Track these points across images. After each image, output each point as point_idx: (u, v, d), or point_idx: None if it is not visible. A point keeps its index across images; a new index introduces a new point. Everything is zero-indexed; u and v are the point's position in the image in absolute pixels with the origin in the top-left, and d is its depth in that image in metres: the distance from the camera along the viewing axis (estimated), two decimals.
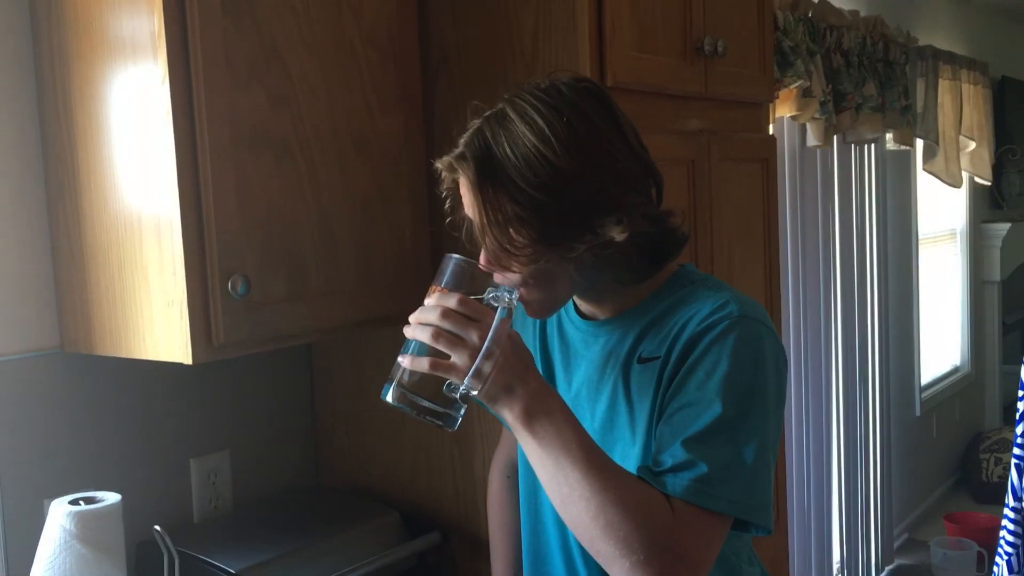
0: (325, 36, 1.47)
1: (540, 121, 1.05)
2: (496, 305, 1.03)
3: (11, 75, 1.47)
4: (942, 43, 4.45)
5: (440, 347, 1.01)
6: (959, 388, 5.07)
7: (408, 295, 1.63)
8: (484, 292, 1.05)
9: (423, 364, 1.01)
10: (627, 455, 1.15)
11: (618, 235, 1.06)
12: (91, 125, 1.41)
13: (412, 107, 1.62)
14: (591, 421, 1.19)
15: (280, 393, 1.88)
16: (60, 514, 1.33)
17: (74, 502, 1.35)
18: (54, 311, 1.51)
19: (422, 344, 1.02)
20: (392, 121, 1.58)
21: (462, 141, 1.10)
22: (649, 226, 1.11)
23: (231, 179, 1.34)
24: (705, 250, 1.85)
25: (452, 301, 1.02)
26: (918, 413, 4.52)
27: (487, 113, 1.10)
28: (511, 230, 1.07)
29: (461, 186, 1.11)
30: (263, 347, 1.43)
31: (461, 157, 1.08)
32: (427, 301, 1.04)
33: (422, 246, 1.63)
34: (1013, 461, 3.39)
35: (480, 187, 1.07)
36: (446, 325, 1.00)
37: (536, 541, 1.32)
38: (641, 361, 1.15)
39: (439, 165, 1.12)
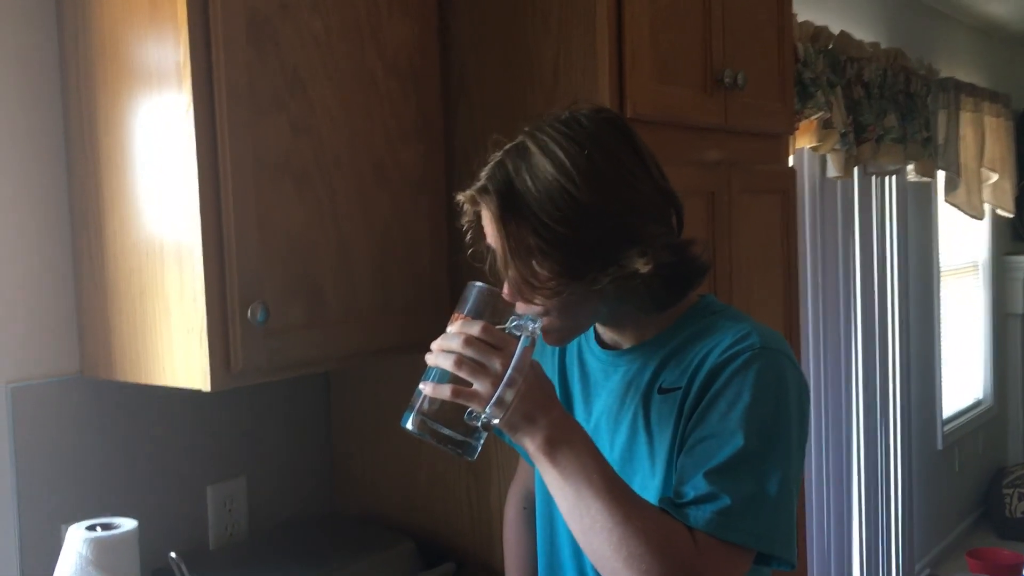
0: (347, 65, 1.48)
1: (560, 154, 1.06)
2: (519, 334, 1.03)
3: (38, 102, 1.49)
4: (964, 75, 4.44)
5: (462, 374, 1.00)
6: (982, 422, 5.01)
7: (427, 324, 1.63)
8: (507, 321, 1.05)
9: (445, 391, 1.01)
10: (647, 486, 1.14)
11: (642, 267, 1.06)
12: (115, 153, 1.42)
13: (432, 136, 1.63)
14: (610, 451, 1.18)
15: (297, 421, 1.88)
16: (76, 540, 1.33)
17: (91, 527, 1.35)
18: (75, 337, 1.52)
19: (444, 371, 1.02)
20: (412, 150, 1.59)
21: (483, 174, 1.10)
22: (671, 256, 1.11)
23: (252, 207, 1.35)
24: (724, 281, 1.85)
25: (475, 329, 1.01)
26: (940, 447, 4.47)
27: (508, 146, 1.11)
28: (534, 263, 1.07)
29: (484, 218, 1.11)
30: (281, 374, 1.43)
31: (483, 190, 1.08)
32: (450, 328, 1.04)
33: (441, 275, 1.64)
34: None
35: (502, 220, 1.07)
36: (469, 352, 1.00)
37: (552, 573, 1.31)
38: (662, 392, 1.14)
39: (461, 198, 1.12)
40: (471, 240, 1.16)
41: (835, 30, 3.12)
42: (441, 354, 1.02)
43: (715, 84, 1.78)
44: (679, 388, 1.12)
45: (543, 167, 1.06)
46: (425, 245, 1.61)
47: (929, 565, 4.37)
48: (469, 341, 1.00)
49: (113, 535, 1.34)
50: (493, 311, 1.05)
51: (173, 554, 1.40)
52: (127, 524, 1.37)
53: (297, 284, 1.42)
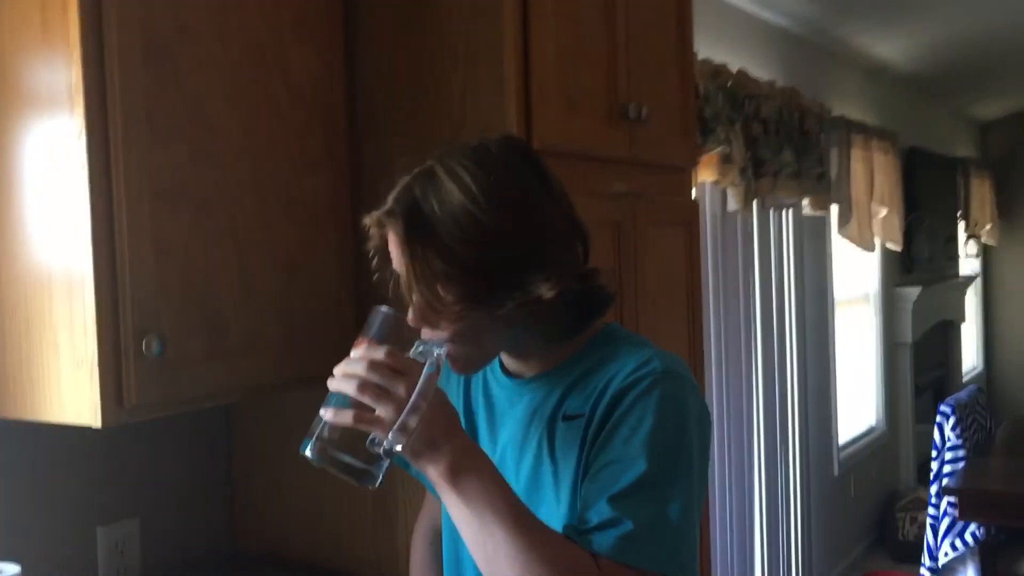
0: (251, 93, 1.45)
1: (467, 179, 1.06)
2: (424, 360, 1.01)
3: None
4: (854, 113, 4.63)
5: (365, 399, 0.97)
6: (875, 448, 5.18)
7: (332, 355, 1.59)
8: (412, 346, 1.03)
9: (347, 417, 0.98)
10: (552, 515, 1.13)
11: (546, 292, 1.06)
12: (2, 178, 1.36)
13: (338, 167, 1.61)
14: (516, 481, 1.18)
15: (196, 457, 1.82)
16: None
17: None
18: None
19: (346, 397, 0.99)
20: (318, 180, 1.57)
21: (391, 197, 1.09)
22: (577, 283, 1.11)
23: (148, 235, 1.30)
24: (630, 311, 1.87)
25: (379, 353, 0.99)
26: (836, 473, 4.60)
27: (416, 171, 1.10)
28: (439, 287, 1.06)
29: (390, 242, 1.10)
30: (178, 409, 1.38)
31: (390, 213, 1.08)
32: (353, 353, 1.02)
33: (346, 306, 1.61)
34: (928, 521, 3.46)
35: (408, 243, 1.06)
36: (373, 377, 0.97)
37: None
38: (566, 419, 1.14)
39: (367, 221, 1.11)
40: (376, 265, 1.14)
41: (733, 68, 3.22)
42: (344, 379, 0.99)
43: (620, 117, 1.81)
44: (583, 415, 1.12)
45: (450, 191, 1.05)
46: (331, 276, 1.59)
47: None
48: (373, 366, 0.98)
49: None
50: (398, 336, 1.03)
51: None
52: (9, 570, 1.30)
53: (196, 315, 1.37)
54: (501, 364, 1.24)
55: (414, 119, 1.62)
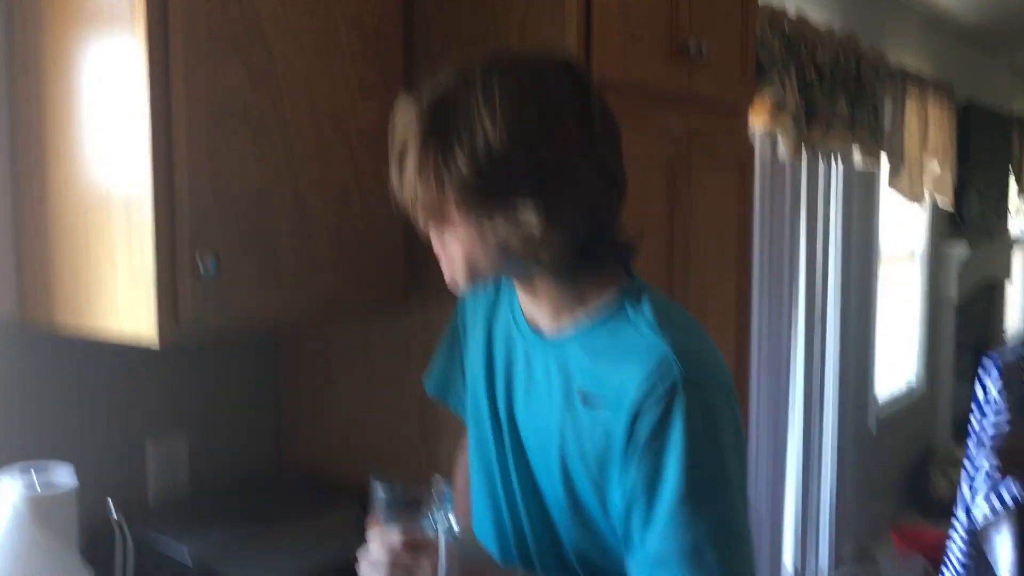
0: (309, 16, 1.44)
1: (497, 100, 1.03)
2: (437, 529, 1.06)
3: None
4: (910, 63, 4.51)
5: None
6: (912, 405, 5.14)
7: (379, 283, 1.61)
8: (421, 513, 1.07)
9: None
10: (584, 485, 1.12)
11: (535, 229, 1.04)
12: (62, 97, 1.36)
13: (393, 94, 1.57)
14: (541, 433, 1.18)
15: (245, 377, 1.84)
16: (11, 494, 1.29)
17: (25, 471, 1.31)
18: (13, 282, 1.46)
19: None
20: (372, 107, 1.55)
21: (427, 88, 1.08)
22: (582, 220, 1.07)
23: (205, 155, 1.31)
24: (681, 256, 1.85)
25: (395, 537, 1.05)
26: (872, 429, 4.57)
27: (458, 69, 1.08)
28: (434, 183, 1.06)
29: (399, 122, 1.10)
30: (232, 330, 1.40)
31: (417, 100, 1.08)
32: (368, 537, 1.08)
33: (395, 235, 1.61)
34: (962, 475, 3.43)
35: (423, 138, 1.05)
36: (397, 562, 1.05)
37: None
38: (585, 401, 1.10)
39: (396, 106, 1.11)
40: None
41: (791, 13, 3.14)
42: (371, 569, 1.06)
43: (680, 51, 1.77)
44: (601, 409, 1.08)
45: (476, 106, 1.03)
46: (382, 204, 1.58)
47: (857, 542, 4.48)
48: (392, 551, 1.05)
49: (52, 495, 1.30)
50: (404, 508, 1.08)
51: (113, 510, 1.36)
52: (64, 476, 1.33)
53: (250, 238, 1.38)
54: (521, 308, 1.22)
55: (471, 47, 1.59)
